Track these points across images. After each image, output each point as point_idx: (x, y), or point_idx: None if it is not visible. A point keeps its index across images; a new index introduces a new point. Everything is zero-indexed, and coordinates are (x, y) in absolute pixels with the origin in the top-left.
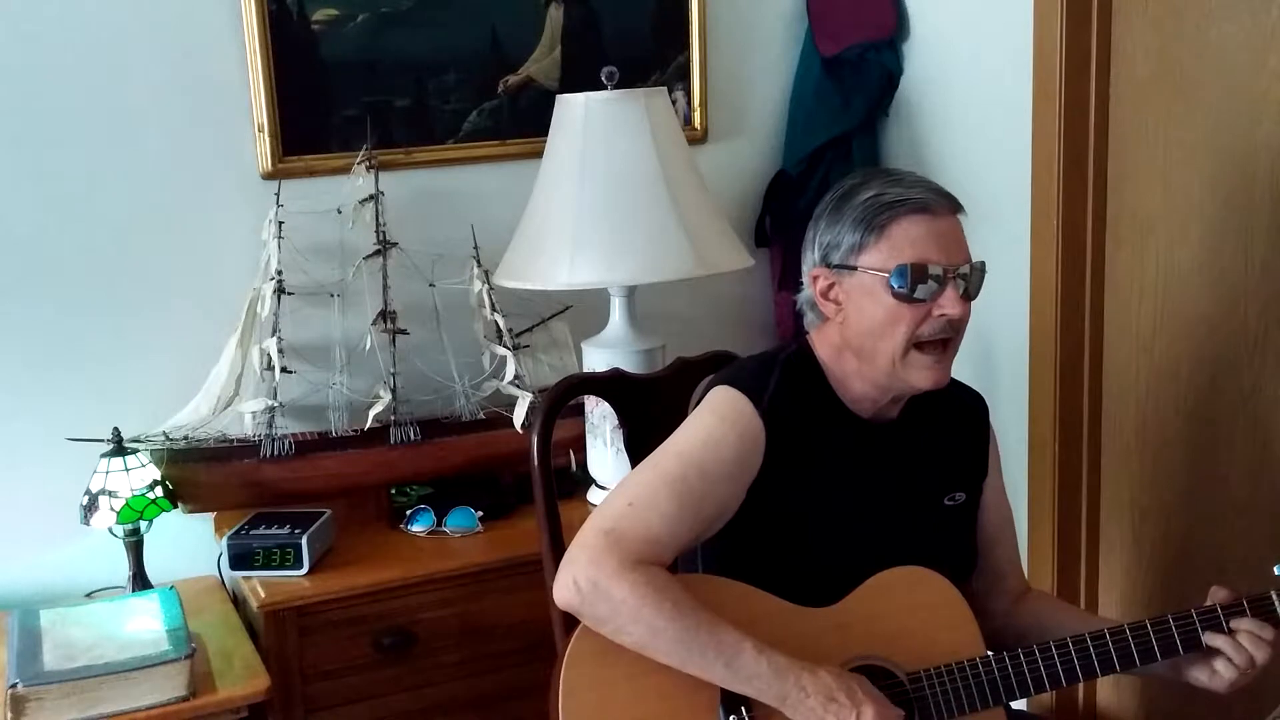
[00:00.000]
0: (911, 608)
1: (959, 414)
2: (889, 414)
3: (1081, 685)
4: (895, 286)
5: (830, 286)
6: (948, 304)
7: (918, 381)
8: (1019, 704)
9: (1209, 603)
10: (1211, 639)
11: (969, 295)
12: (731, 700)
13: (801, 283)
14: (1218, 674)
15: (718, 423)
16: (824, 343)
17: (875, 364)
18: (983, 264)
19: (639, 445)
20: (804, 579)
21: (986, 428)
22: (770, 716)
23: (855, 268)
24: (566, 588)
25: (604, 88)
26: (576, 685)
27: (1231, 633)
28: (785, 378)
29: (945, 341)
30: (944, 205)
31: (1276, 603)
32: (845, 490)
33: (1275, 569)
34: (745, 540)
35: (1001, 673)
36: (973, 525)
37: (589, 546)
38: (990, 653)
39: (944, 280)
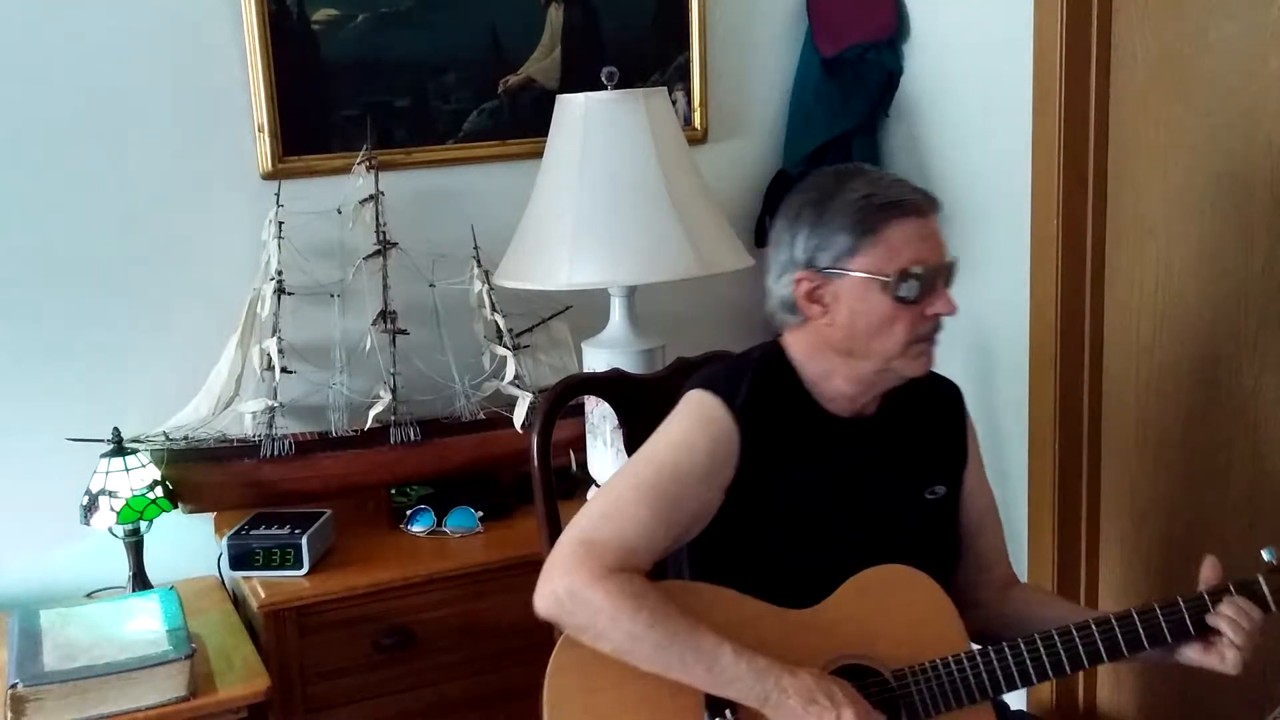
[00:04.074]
0: (894, 606)
1: (935, 405)
2: (866, 411)
3: (1082, 686)
4: (898, 291)
5: (816, 289)
6: (943, 304)
7: (912, 371)
8: (1018, 704)
9: (1200, 586)
10: (1212, 620)
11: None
12: (716, 704)
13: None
14: (1225, 658)
15: (690, 427)
16: (799, 344)
17: (867, 361)
18: (956, 259)
19: (638, 445)
20: (788, 579)
21: (963, 415)
22: (754, 719)
23: (848, 271)
24: (545, 598)
25: (604, 88)
26: (561, 695)
27: (1220, 616)
28: (758, 379)
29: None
30: (931, 205)
31: (1264, 586)
32: (824, 490)
33: (1263, 553)
34: (728, 543)
35: (987, 667)
36: (954, 518)
37: (565, 557)
38: (975, 648)
39: (937, 281)
